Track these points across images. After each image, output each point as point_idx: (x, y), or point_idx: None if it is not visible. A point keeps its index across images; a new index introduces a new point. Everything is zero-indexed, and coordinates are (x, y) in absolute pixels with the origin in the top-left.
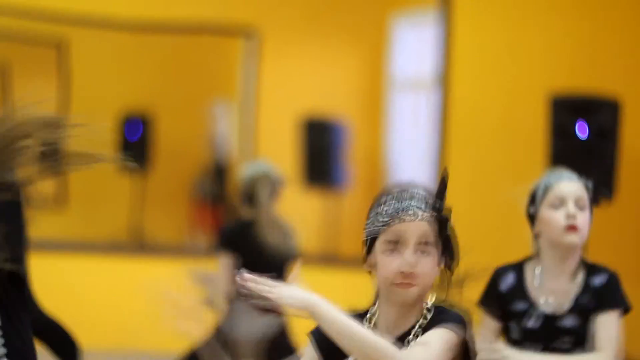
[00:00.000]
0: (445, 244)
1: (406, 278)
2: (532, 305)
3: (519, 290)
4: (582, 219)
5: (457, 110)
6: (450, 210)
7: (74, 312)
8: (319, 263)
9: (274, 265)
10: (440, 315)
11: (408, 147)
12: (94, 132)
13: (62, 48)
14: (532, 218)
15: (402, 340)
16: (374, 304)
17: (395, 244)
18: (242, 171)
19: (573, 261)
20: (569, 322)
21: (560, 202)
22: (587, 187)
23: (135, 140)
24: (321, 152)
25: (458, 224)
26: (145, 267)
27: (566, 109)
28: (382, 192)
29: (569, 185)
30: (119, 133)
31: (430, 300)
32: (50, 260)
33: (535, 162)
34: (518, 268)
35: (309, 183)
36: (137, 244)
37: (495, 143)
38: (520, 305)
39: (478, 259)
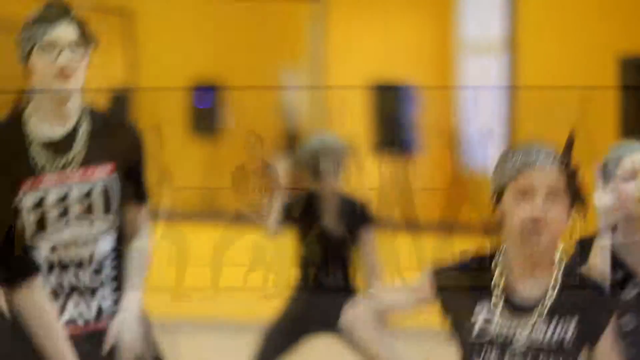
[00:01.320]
0: (576, 194)
1: (537, 224)
2: (629, 274)
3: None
4: None
5: (526, 73)
6: (579, 166)
7: None
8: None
9: (335, 239)
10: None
11: (478, 111)
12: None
13: (128, 16)
14: None
15: (532, 306)
16: (499, 252)
17: (525, 193)
18: (306, 143)
19: None
20: None
21: (632, 175)
22: None
23: (205, 108)
24: (391, 117)
25: None
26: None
27: (636, 70)
28: (505, 150)
29: None
30: (188, 101)
31: (562, 259)
32: None
33: (606, 124)
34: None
35: (379, 149)
36: (210, 212)
37: (565, 105)
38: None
39: None
